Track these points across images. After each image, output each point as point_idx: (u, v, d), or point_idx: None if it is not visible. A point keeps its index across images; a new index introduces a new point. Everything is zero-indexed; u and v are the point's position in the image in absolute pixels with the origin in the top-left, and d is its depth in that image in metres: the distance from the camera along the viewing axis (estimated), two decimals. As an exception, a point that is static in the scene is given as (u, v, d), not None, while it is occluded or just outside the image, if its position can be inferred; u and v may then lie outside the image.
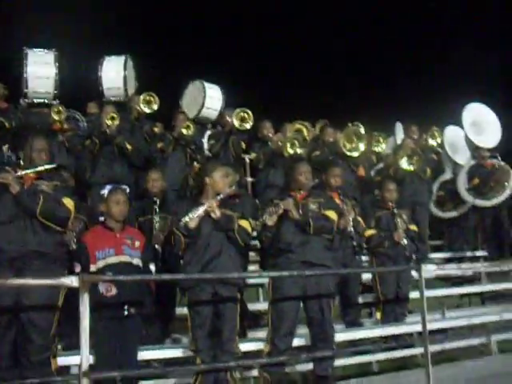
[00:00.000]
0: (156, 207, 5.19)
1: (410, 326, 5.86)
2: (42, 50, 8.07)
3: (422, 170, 7.88)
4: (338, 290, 5.78)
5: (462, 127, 8.51)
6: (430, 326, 6.23)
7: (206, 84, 7.85)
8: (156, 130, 7.71)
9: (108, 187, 4.67)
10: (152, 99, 7.62)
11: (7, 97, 7.50)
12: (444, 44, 13.09)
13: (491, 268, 8.01)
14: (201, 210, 4.42)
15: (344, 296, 5.90)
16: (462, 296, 8.01)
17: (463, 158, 8.72)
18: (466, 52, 12.45)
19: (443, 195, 8.75)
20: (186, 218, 4.35)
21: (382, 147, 8.01)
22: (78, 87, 8.72)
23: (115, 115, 6.77)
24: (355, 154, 7.09)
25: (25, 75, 7.79)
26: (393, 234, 6.01)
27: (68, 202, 4.23)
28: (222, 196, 4.58)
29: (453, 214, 8.63)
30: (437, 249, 9.00)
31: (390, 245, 6.03)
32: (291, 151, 7.03)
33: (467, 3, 13.33)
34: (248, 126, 7.33)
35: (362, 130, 8.43)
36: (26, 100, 7.80)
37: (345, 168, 7.12)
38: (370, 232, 6.11)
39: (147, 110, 7.59)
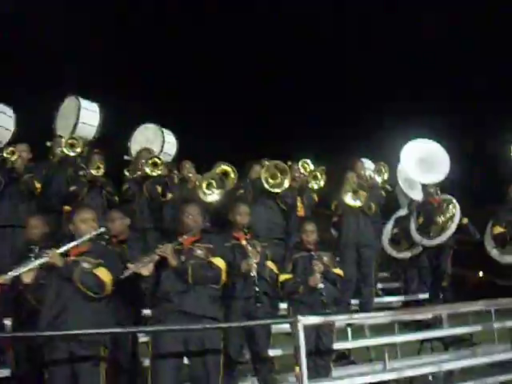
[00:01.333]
0: (31, 255, 4.71)
1: (339, 381, 5.33)
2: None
3: (367, 205, 7.36)
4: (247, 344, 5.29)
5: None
6: (368, 379, 5.78)
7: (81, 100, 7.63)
8: (81, 173, 7.35)
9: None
10: (75, 142, 7.32)
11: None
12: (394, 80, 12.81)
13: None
14: (36, 263, 4.00)
15: (252, 350, 5.30)
16: (423, 341, 7.36)
17: (420, 193, 8.20)
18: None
19: (398, 233, 8.20)
20: (14, 272, 3.91)
21: (321, 184, 7.53)
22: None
23: (14, 150, 6.44)
24: (277, 190, 6.59)
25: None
26: (308, 279, 5.45)
27: None
28: (76, 242, 4.14)
29: (407, 254, 8.04)
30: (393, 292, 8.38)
31: (305, 290, 5.47)
32: (207, 192, 6.61)
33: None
34: (160, 171, 7.00)
35: (311, 166, 8.03)
36: None
37: (271, 206, 6.69)
38: (284, 277, 5.50)
39: (71, 153, 7.27)
